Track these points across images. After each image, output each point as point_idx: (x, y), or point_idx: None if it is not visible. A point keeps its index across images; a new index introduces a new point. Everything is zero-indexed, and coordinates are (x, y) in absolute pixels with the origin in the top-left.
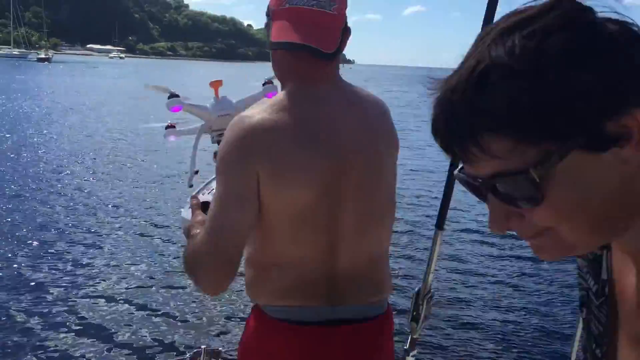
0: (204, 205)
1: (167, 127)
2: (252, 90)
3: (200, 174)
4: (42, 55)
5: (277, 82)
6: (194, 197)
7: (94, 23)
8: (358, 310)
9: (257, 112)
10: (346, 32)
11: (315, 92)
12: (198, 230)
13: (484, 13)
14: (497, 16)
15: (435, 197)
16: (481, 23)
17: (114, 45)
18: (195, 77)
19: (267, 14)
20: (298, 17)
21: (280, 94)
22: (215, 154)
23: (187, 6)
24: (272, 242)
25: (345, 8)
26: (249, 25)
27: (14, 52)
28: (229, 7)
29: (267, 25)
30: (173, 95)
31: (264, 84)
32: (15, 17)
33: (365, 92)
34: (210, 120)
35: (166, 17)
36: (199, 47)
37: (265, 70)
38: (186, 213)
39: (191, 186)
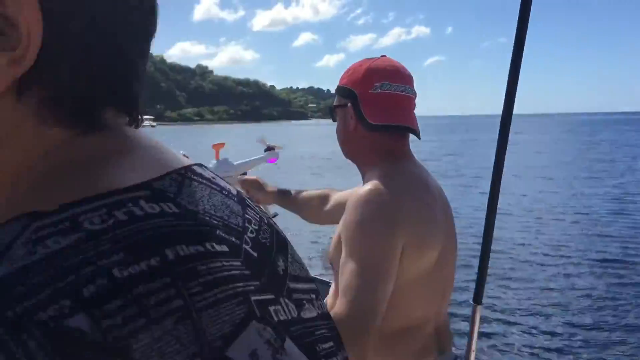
0: None
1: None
2: (253, 155)
3: None
4: None
5: (278, 149)
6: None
7: None
8: None
9: (383, 184)
10: None
11: (410, 164)
12: None
13: (505, 58)
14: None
15: (470, 267)
16: (508, 67)
17: (142, 115)
18: (222, 140)
19: (343, 94)
20: (394, 102)
21: (385, 166)
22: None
23: (211, 72)
24: (399, 308)
25: None
26: (272, 86)
27: None
28: (251, 70)
29: (341, 106)
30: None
31: (265, 150)
32: None
33: None
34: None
35: (192, 83)
36: (225, 111)
37: (289, 129)
38: None
39: None
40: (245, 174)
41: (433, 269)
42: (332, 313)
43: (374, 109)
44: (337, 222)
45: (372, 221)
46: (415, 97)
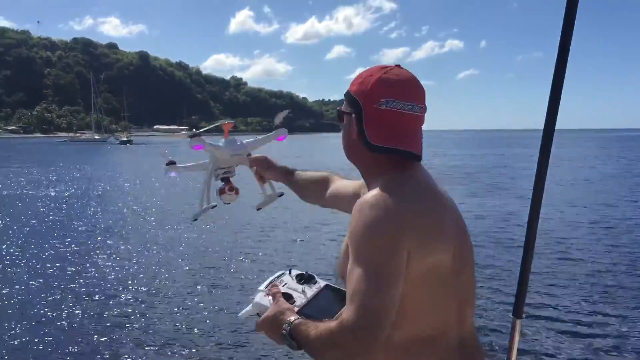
0: (284, 296)
1: (167, 164)
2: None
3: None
4: (124, 138)
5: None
6: (275, 285)
7: (159, 105)
8: None
9: (388, 190)
10: None
11: (416, 172)
12: (296, 317)
13: (540, 72)
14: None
15: (510, 279)
16: (544, 81)
17: (178, 125)
18: (258, 150)
19: (350, 102)
20: (398, 122)
21: (389, 177)
22: (219, 190)
23: (245, 84)
24: (408, 316)
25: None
26: (304, 98)
27: (95, 137)
28: (284, 82)
29: (347, 113)
30: (194, 135)
31: (275, 127)
32: (94, 105)
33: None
34: (223, 158)
35: (226, 95)
36: (258, 122)
37: (320, 140)
38: (261, 299)
39: (195, 219)
40: (250, 155)
41: (446, 276)
42: (339, 320)
43: (376, 128)
44: (336, 208)
45: (377, 226)
46: (424, 112)
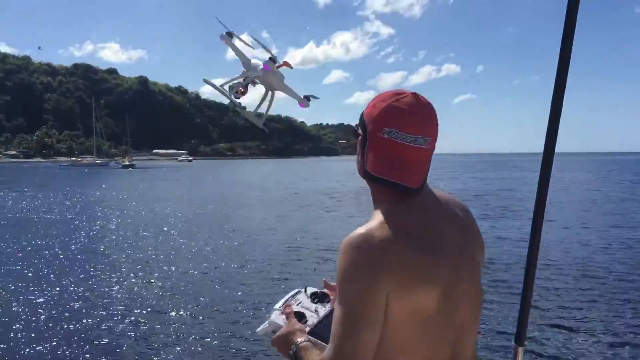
0: (297, 315)
1: (226, 34)
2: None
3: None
4: (127, 163)
5: (314, 100)
6: (288, 306)
7: (158, 129)
8: None
9: (374, 229)
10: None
11: (415, 202)
12: (303, 339)
13: (537, 95)
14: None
15: (512, 305)
16: (541, 105)
17: (177, 149)
18: (257, 173)
19: (360, 123)
20: (397, 153)
21: (384, 209)
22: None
23: (244, 108)
24: (392, 355)
25: (437, 133)
26: (302, 122)
27: (97, 161)
28: (282, 106)
29: (356, 135)
30: (272, 60)
31: (305, 97)
32: (95, 129)
33: (448, 195)
34: (257, 68)
35: (225, 119)
36: (257, 146)
37: (318, 164)
38: (276, 318)
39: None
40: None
41: (431, 317)
42: (321, 357)
43: (375, 155)
44: None
45: (355, 269)
46: (432, 144)
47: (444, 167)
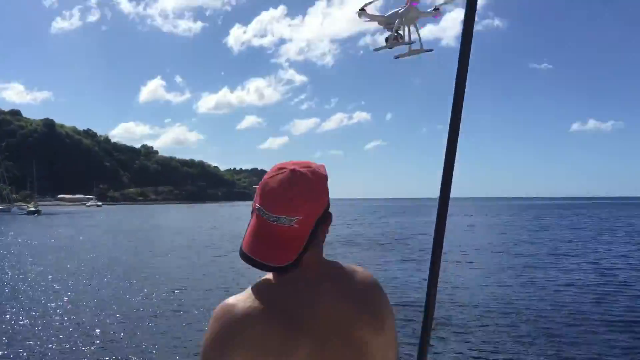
0: None
1: (360, 10)
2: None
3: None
4: (32, 208)
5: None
6: None
7: (64, 174)
8: None
9: (239, 301)
10: (324, 221)
11: (292, 276)
12: None
13: (439, 146)
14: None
15: (412, 345)
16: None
17: (85, 194)
18: (170, 219)
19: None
20: (260, 226)
21: (263, 279)
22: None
23: (156, 152)
24: None
25: (319, 211)
26: (216, 167)
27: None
28: (196, 151)
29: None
30: (362, 9)
31: (435, 8)
32: None
33: (350, 269)
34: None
35: (136, 163)
36: (170, 191)
37: (232, 209)
38: None
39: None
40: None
41: None
42: None
43: (248, 229)
44: None
45: (212, 341)
46: (299, 223)
47: (354, 213)
